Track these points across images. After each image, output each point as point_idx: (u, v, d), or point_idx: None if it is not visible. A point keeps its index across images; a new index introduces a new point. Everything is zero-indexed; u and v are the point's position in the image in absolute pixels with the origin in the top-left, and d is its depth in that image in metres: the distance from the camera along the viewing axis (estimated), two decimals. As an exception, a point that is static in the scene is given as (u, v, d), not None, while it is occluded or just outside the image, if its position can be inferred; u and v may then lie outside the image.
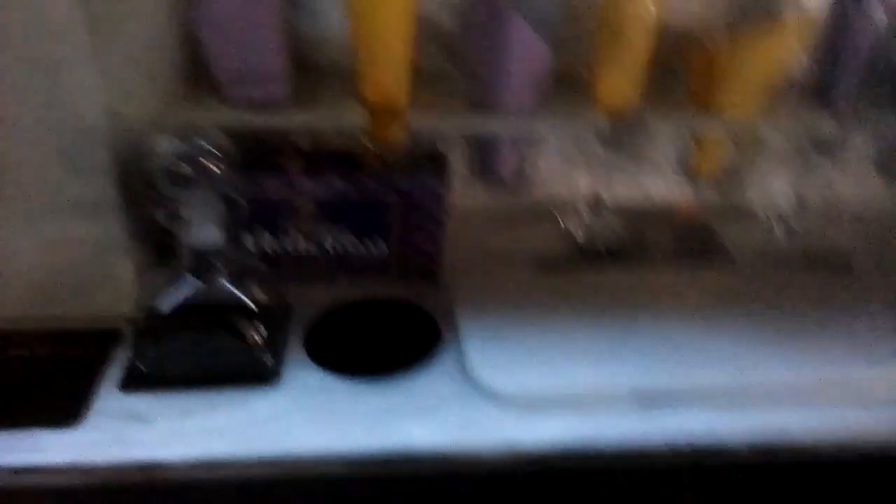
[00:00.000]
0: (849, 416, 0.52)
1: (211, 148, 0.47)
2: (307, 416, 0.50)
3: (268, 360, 0.53)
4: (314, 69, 0.65)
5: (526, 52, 0.57)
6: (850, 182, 0.79)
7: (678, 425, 0.50)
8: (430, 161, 0.59)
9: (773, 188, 0.78)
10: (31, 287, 0.55)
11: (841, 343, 0.58)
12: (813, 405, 0.52)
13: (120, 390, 0.51)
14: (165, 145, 0.47)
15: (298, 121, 0.59)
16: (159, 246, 0.58)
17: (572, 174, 0.75)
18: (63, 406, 0.49)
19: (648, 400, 0.52)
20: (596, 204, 0.73)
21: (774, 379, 0.53)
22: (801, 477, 0.52)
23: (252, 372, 0.52)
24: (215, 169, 0.47)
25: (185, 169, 0.47)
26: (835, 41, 0.64)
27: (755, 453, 0.50)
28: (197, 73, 0.60)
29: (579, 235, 0.72)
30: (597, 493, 0.52)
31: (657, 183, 0.77)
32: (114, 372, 0.53)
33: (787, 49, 0.62)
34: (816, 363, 0.55)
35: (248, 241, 0.59)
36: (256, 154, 0.58)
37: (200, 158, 0.47)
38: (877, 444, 0.51)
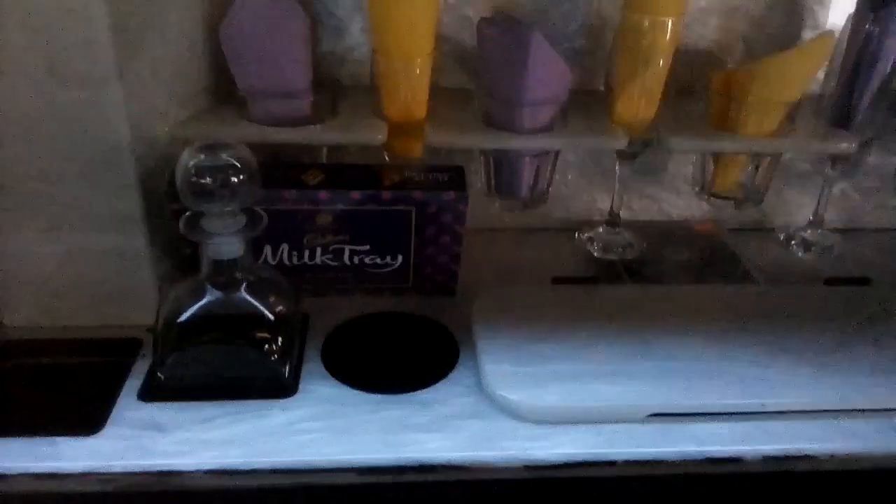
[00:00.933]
0: (866, 430, 0.51)
1: (233, 161, 0.48)
2: (323, 427, 0.50)
3: (285, 371, 0.53)
4: (335, 85, 0.66)
5: (547, 72, 0.58)
6: (868, 200, 0.79)
7: (692, 439, 0.50)
8: (449, 176, 0.59)
9: (792, 206, 0.78)
10: (54, 296, 0.56)
11: (861, 360, 0.57)
12: (830, 420, 0.52)
13: (139, 399, 0.52)
14: (189, 158, 0.47)
15: (319, 136, 0.60)
16: (181, 257, 0.58)
17: (590, 191, 0.76)
18: (83, 414, 0.50)
19: (663, 416, 0.51)
20: (613, 221, 0.73)
21: (792, 399, 0.53)
22: (816, 490, 0.52)
23: (269, 383, 0.53)
24: (237, 182, 0.48)
25: (208, 182, 0.48)
26: (854, 60, 0.64)
27: (769, 465, 0.49)
28: (222, 88, 0.61)
29: (596, 252, 0.73)
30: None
31: (675, 201, 0.77)
32: (133, 381, 0.53)
33: (806, 69, 0.62)
34: (835, 381, 0.54)
35: (268, 253, 0.59)
36: (278, 167, 0.59)
37: (223, 171, 0.48)
38: (890, 456, 0.51)
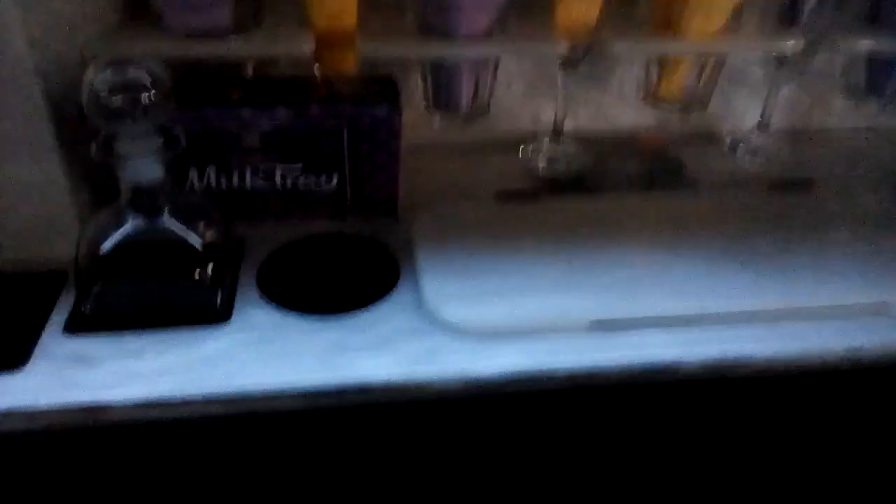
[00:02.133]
0: (806, 334, 0.52)
1: (144, 77, 0.44)
2: (259, 353, 0.49)
3: (217, 298, 0.52)
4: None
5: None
6: (815, 102, 0.78)
7: (634, 348, 0.50)
8: (382, 89, 0.56)
9: (740, 111, 0.77)
10: (-30, 231, 0.53)
11: (802, 262, 0.57)
12: (770, 325, 0.52)
13: (65, 333, 0.50)
14: (95, 76, 0.44)
15: (243, 49, 0.56)
16: (101, 185, 0.55)
17: (534, 102, 0.74)
18: (7, 350, 0.48)
19: (606, 327, 0.51)
20: (557, 132, 0.71)
21: (734, 304, 0.53)
22: (755, 393, 0.53)
23: (200, 311, 0.51)
24: (149, 100, 0.45)
25: (117, 101, 0.44)
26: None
27: (708, 371, 0.50)
28: (136, 4, 0.57)
29: (540, 165, 0.71)
30: (552, 417, 0.52)
31: (620, 110, 0.75)
32: (59, 316, 0.51)
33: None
34: (777, 285, 0.55)
35: (194, 178, 0.56)
36: (199, 85, 0.55)
37: (133, 89, 0.44)
38: (829, 359, 0.51)
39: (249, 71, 0.61)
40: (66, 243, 0.54)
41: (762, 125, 0.74)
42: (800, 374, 0.51)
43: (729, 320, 0.52)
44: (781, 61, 0.69)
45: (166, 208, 0.49)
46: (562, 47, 0.59)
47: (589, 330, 0.51)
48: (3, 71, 0.47)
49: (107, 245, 0.49)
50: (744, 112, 0.77)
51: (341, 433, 0.50)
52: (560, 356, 0.49)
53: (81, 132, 0.52)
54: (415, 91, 0.65)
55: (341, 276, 0.56)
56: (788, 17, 0.64)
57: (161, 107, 0.45)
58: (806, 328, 0.52)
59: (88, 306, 0.50)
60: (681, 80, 0.66)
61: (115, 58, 0.45)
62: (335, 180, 0.58)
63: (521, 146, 0.73)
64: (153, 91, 0.45)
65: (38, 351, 0.48)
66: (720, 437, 0.55)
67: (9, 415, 0.45)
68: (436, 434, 0.51)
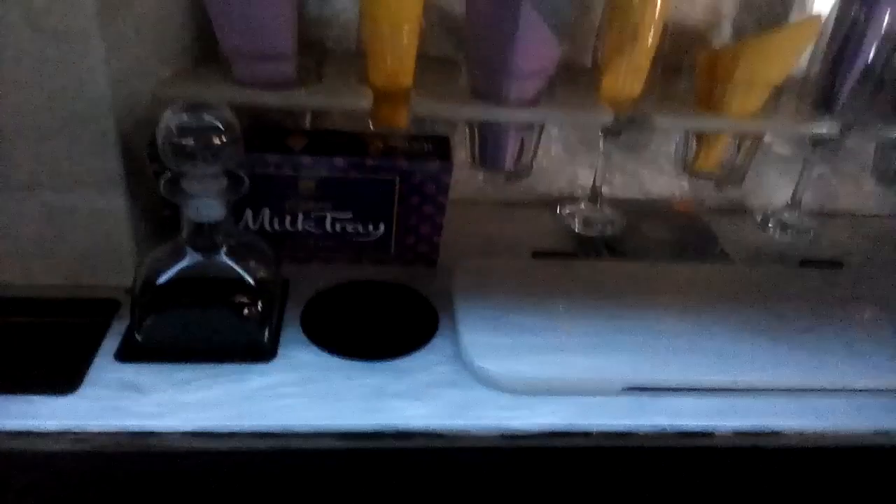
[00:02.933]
0: (835, 408, 0.53)
1: (217, 122, 0.47)
2: (301, 392, 0.50)
3: (264, 336, 0.53)
4: (321, 49, 0.65)
5: (536, 45, 0.57)
6: (846, 184, 0.80)
7: (667, 413, 0.51)
8: (434, 145, 0.59)
9: (771, 187, 0.79)
10: (31, 255, 0.56)
11: (831, 341, 0.58)
12: (799, 400, 0.53)
13: (116, 360, 0.51)
14: (171, 118, 0.47)
15: (304, 100, 0.59)
16: (161, 219, 0.58)
17: (573, 165, 0.76)
18: (60, 373, 0.50)
19: (639, 391, 0.52)
20: (594, 196, 0.73)
21: (765, 377, 0.54)
22: (785, 464, 0.53)
23: (248, 347, 0.53)
24: (220, 143, 0.47)
25: (190, 142, 0.47)
26: (839, 45, 0.65)
27: (740, 440, 0.51)
28: (206, 48, 0.60)
29: (576, 227, 0.73)
30: (584, 474, 0.52)
31: (655, 178, 0.78)
32: (111, 342, 0.53)
33: (792, 51, 0.62)
34: (806, 362, 0.56)
35: (249, 218, 0.59)
36: (261, 131, 0.58)
37: (206, 133, 0.47)
38: (858, 435, 0.52)
39: (307, 122, 0.64)
40: (120, 273, 0.56)
41: (794, 203, 0.76)
42: (829, 449, 0.52)
43: (760, 392, 0.53)
44: (816, 143, 0.71)
45: (224, 246, 0.51)
46: (607, 117, 0.61)
47: (623, 392, 0.52)
48: (83, 106, 0.50)
49: (164, 277, 0.51)
50: (775, 189, 0.79)
51: (377, 477, 0.51)
52: (594, 418, 0.50)
53: (148, 168, 0.55)
54: (460, 148, 0.67)
55: (382, 322, 0.58)
56: (824, 101, 0.67)
57: (230, 151, 0.48)
58: (834, 405, 0.53)
59: (141, 335, 0.52)
60: (719, 155, 0.68)
61: (192, 102, 0.47)
62: (382, 229, 0.60)
63: (559, 207, 0.75)
64: (224, 136, 0.47)
65: (89, 376, 0.50)
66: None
67: (60, 436, 0.46)
68: (468, 484, 0.52)
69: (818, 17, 0.62)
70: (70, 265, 0.56)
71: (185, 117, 0.47)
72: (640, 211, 0.77)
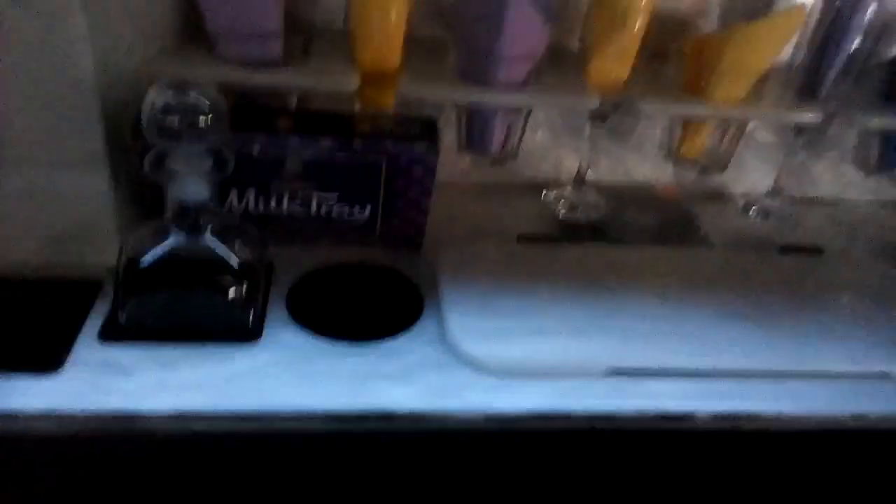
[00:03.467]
0: (813, 392, 0.54)
1: (203, 101, 0.47)
2: (287, 373, 0.50)
3: (249, 317, 0.53)
4: (308, 28, 0.65)
5: (522, 28, 0.57)
6: (826, 171, 0.81)
7: (649, 396, 0.52)
8: (422, 129, 0.59)
9: (752, 173, 0.80)
10: (14, 234, 0.55)
11: (809, 326, 0.59)
12: (778, 384, 0.54)
13: (99, 341, 0.51)
14: (157, 96, 0.46)
15: (291, 80, 0.58)
16: (144, 199, 0.57)
17: (558, 150, 0.76)
18: (42, 353, 0.49)
19: (622, 374, 0.53)
20: (580, 181, 0.74)
21: (745, 361, 0.55)
22: (763, 447, 0.54)
23: (232, 328, 0.53)
24: (205, 123, 0.47)
25: (175, 121, 0.46)
26: (824, 34, 0.65)
27: (719, 423, 0.52)
28: (191, 27, 0.60)
29: (561, 211, 0.73)
30: (567, 457, 0.53)
31: (639, 163, 0.78)
32: (94, 323, 0.52)
33: (778, 40, 0.62)
34: (785, 346, 0.57)
35: (234, 199, 0.58)
36: (246, 111, 0.57)
37: (191, 111, 0.47)
38: (835, 419, 0.53)
39: (293, 102, 0.63)
40: (102, 253, 0.56)
41: (775, 190, 0.77)
42: (806, 432, 0.53)
43: (740, 376, 0.54)
44: (799, 131, 0.72)
45: (209, 227, 0.51)
46: (593, 102, 0.62)
47: (606, 375, 0.53)
48: (66, 84, 0.49)
49: (148, 258, 0.51)
50: (757, 175, 0.80)
51: (362, 458, 0.51)
52: (578, 399, 0.51)
53: (132, 147, 0.54)
54: (446, 131, 0.67)
55: (367, 305, 0.58)
56: (808, 89, 0.68)
57: (215, 130, 0.47)
58: (812, 389, 0.54)
59: (125, 316, 0.52)
60: (703, 141, 0.69)
61: (178, 80, 0.47)
62: (367, 211, 0.60)
63: (544, 191, 0.76)
64: (210, 115, 0.47)
65: (72, 356, 0.50)
66: (728, 487, 0.57)
67: (43, 417, 0.46)
68: (453, 465, 0.53)
69: (803, 5, 0.62)
70: (51, 245, 0.56)
71: (170, 95, 0.46)
72: (625, 196, 0.77)
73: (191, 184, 0.49)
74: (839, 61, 0.65)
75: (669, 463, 0.54)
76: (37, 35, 0.47)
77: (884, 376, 0.56)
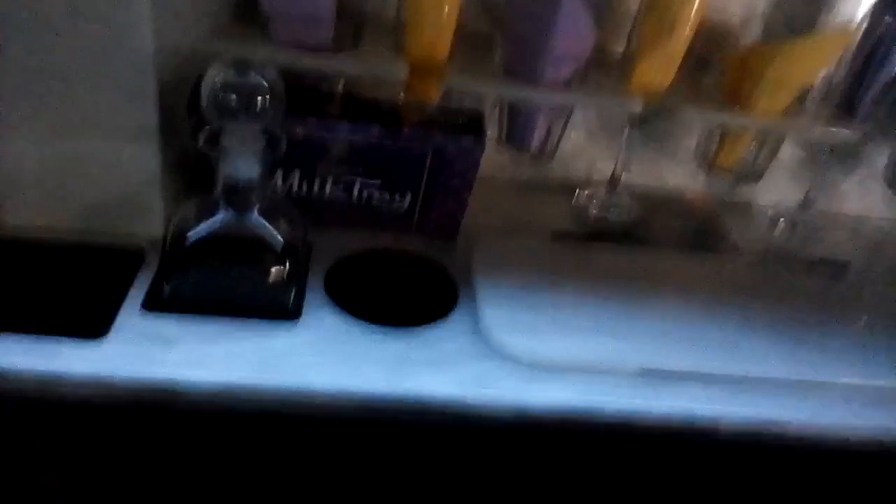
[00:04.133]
0: (838, 404, 0.54)
1: (263, 81, 0.47)
2: (325, 354, 0.51)
3: (290, 296, 0.54)
4: (359, 15, 0.65)
5: (573, 29, 0.58)
6: (855, 188, 0.82)
7: (679, 398, 0.52)
8: (469, 122, 0.59)
9: (781, 187, 0.81)
10: (60, 199, 0.56)
11: (832, 342, 0.60)
12: (803, 395, 0.55)
13: (142, 310, 0.52)
14: (218, 73, 0.47)
15: (341, 66, 0.59)
16: (194, 175, 0.58)
17: (593, 151, 0.77)
18: (87, 319, 0.50)
19: (653, 375, 0.54)
20: (614, 183, 0.74)
21: (773, 370, 0.56)
22: (786, 455, 0.55)
23: (273, 307, 0.54)
24: (263, 103, 0.48)
25: (234, 99, 0.47)
26: (866, 55, 0.66)
27: (746, 430, 0.52)
28: (246, 7, 0.60)
29: (593, 212, 0.74)
30: (595, 455, 0.54)
31: (674, 169, 0.79)
32: (137, 292, 0.53)
33: (823, 58, 0.63)
34: (812, 358, 0.57)
35: (279, 179, 0.59)
36: (298, 93, 0.58)
37: (251, 90, 0.47)
38: (855, 436, 0.54)
39: (339, 88, 0.64)
40: (147, 224, 0.57)
41: (804, 204, 0.78)
42: (828, 443, 0.54)
43: (767, 385, 0.55)
44: (832, 148, 0.72)
45: (256, 206, 0.52)
46: (636, 106, 0.62)
47: (636, 375, 0.54)
48: (124, 55, 0.50)
49: (195, 233, 0.51)
50: (785, 188, 0.81)
51: (394, 440, 0.52)
52: (608, 396, 0.52)
53: (185, 122, 0.55)
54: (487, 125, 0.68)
55: (403, 292, 0.59)
56: (846, 107, 0.68)
57: (272, 111, 0.48)
58: (837, 402, 0.55)
59: (170, 288, 0.53)
60: (740, 151, 0.69)
61: (239, 59, 0.48)
62: (408, 200, 0.61)
63: (577, 191, 0.76)
64: (268, 95, 0.48)
65: (117, 323, 0.51)
66: (750, 493, 0.58)
67: (86, 382, 0.47)
68: (483, 454, 0.54)
69: (851, 27, 0.63)
70: (97, 213, 0.57)
71: (231, 74, 0.47)
72: (657, 200, 0.78)
73: (243, 162, 0.50)
74: (879, 82, 0.66)
75: (695, 465, 0.55)
76: (98, 8, 0.48)
77: (908, 393, 0.57)
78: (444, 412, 0.50)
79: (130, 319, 0.51)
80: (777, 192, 0.81)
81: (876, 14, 0.64)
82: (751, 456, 0.55)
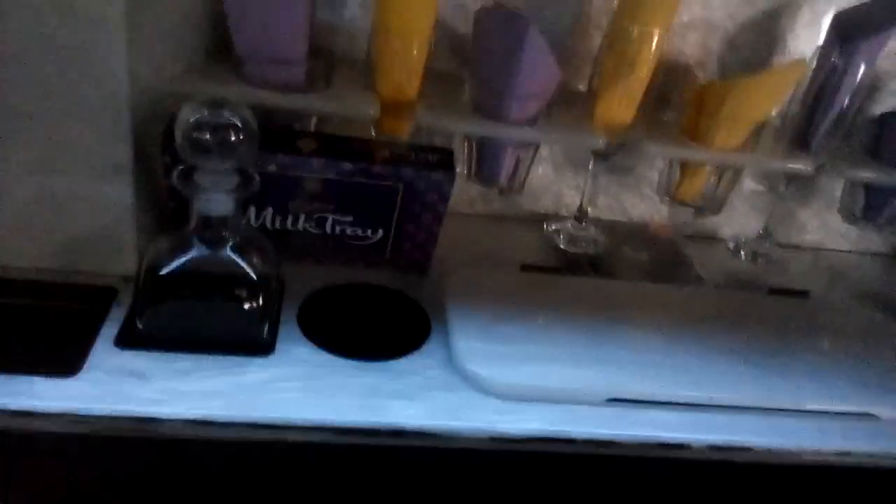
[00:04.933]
0: (800, 428, 0.56)
1: (235, 120, 0.48)
2: (298, 387, 0.52)
3: (264, 330, 0.55)
4: (329, 55, 0.67)
5: (539, 67, 0.60)
6: (813, 219, 0.85)
7: (647, 425, 0.54)
8: (439, 157, 0.61)
9: (741, 217, 0.84)
10: (31, 237, 0.56)
11: (797, 365, 0.62)
12: (768, 419, 0.56)
13: (116, 346, 0.52)
14: (191, 112, 0.48)
15: (313, 104, 0.61)
16: (162, 212, 0.59)
17: (560, 185, 0.79)
18: (59, 357, 0.50)
19: (621, 403, 0.55)
20: (580, 216, 0.76)
21: (738, 396, 0.57)
22: (754, 478, 0.56)
23: (247, 341, 0.54)
24: (237, 141, 0.49)
25: (207, 137, 0.48)
26: (817, 90, 0.69)
27: (714, 453, 0.54)
28: (220, 47, 0.62)
29: (563, 244, 0.76)
30: (566, 482, 0.55)
31: (637, 202, 0.81)
32: (110, 329, 0.53)
33: (777, 92, 0.66)
34: (775, 383, 0.59)
35: (252, 215, 0.60)
36: (271, 131, 0.59)
37: (224, 129, 0.48)
38: (822, 454, 0.56)
39: (312, 126, 0.65)
40: (120, 260, 0.57)
41: (765, 234, 0.81)
42: (794, 466, 0.55)
43: (732, 409, 0.56)
44: (789, 179, 0.75)
45: (230, 242, 0.52)
46: (600, 141, 0.64)
47: (605, 403, 0.55)
48: (100, 93, 0.51)
49: (169, 267, 0.52)
50: (746, 220, 0.83)
51: (370, 472, 0.52)
52: (579, 424, 0.53)
53: (158, 160, 0.56)
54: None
55: (376, 325, 0.60)
56: (800, 140, 0.71)
57: (245, 149, 0.49)
58: (800, 426, 0.56)
59: (143, 323, 0.53)
60: (700, 184, 0.72)
61: (212, 98, 0.49)
62: (380, 234, 0.62)
63: (545, 224, 0.78)
64: (241, 133, 0.49)
65: (90, 360, 0.51)
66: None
67: (61, 417, 0.47)
68: (458, 483, 0.54)
69: (804, 60, 0.66)
70: (70, 250, 0.57)
71: (205, 112, 0.48)
72: (622, 232, 0.80)
73: (216, 199, 0.51)
74: (831, 116, 0.69)
75: (666, 490, 0.56)
76: (77, 44, 0.49)
77: (868, 416, 0.58)
78: (418, 443, 0.50)
79: (104, 356, 0.51)
80: (738, 223, 0.84)
81: (825, 52, 0.68)
82: (721, 478, 0.56)
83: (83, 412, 0.47)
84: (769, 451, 0.54)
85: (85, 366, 0.50)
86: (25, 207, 0.55)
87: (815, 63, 0.68)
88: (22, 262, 0.56)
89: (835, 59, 0.67)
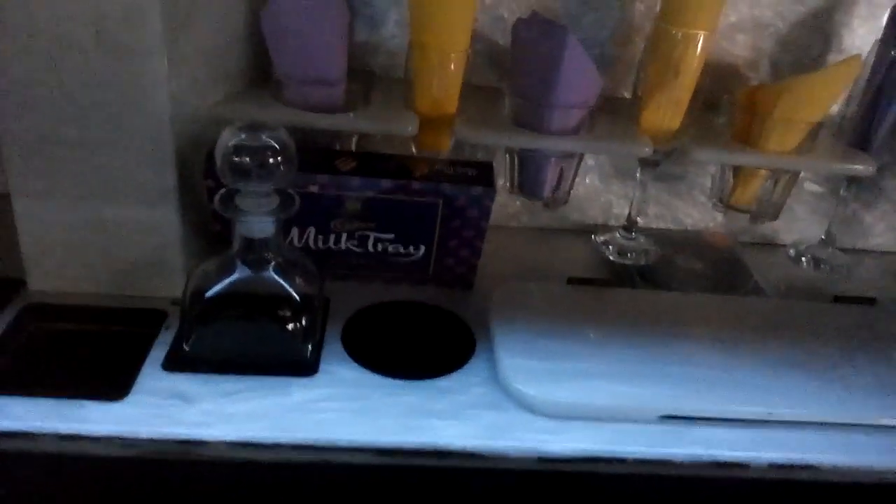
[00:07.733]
0: (867, 444, 0.53)
1: (274, 143, 0.49)
2: (342, 407, 0.51)
3: (307, 351, 0.55)
4: (368, 75, 0.67)
5: (579, 76, 0.59)
6: (878, 222, 0.81)
7: (701, 442, 0.52)
8: (477, 171, 0.60)
9: (801, 223, 0.80)
10: (81, 264, 0.57)
11: (863, 377, 0.59)
12: (832, 435, 0.53)
13: (163, 370, 0.53)
14: (230, 136, 0.48)
15: (353, 124, 0.61)
16: (209, 234, 0.60)
17: (608, 195, 0.77)
18: (108, 380, 0.51)
19: (674, 419, 0.53)
20: (629, 226, 0.74)
21: (800, 412, 0.54)
22: (818, 498, 0.53)
23: (291, 361, 0.54)
24: (275, 163, 0.49)
25: (247, 161, 0.49)
26: (876, 86, 0.66)
27: (774, 472, 0.51)
28: (260, 71, 0.63)
29: (612, 255, 0.74)
30: (619, 501, 0.53)
31: (690, 210, 0.79)
32: (157, 352, 0.54)
33: (832, 91, 0.63)
34: (839, 397, 0.56)
35: (295, 236, 0.60)
36: (310, 152, 0.60)
37: (263, 152, 0.49)
38: (890, 472, 0.52)
39: (353, 145, 0.65)
40: (168, 285, 0.58)
41: (827, 239, 0.77)
42: (861, 485, 0.52)
43: (794, 425, 0.54)
44: (851, 181, 0.72)
45: (272, 263, 0.53)
46: (645, 149, 0.63)
47: (658, 421, 0.53)
48: (143, 121, 0.52)
49: (213, 290, 0.52)
50: (806, 225, 0.80)
51: (414, 494, 0.52)
52: (630, 444, 0.51)
53: (201, 184, 0.57)
54: (498, 175, 0.69)
55: (420, 343, 0.59)
56: (860, 140, 0.68)
57: (284, 171, 0.49)
58: (866, 441, 0.53)
59: (189, 346, 0.53)
60: (755, 190, 0.69)
61: (251, 122, 0.49)
62: (422, 250, 0.62)
63: (593, 235, 0.77)
64: (280, 156, 0.49)
65: (138, 384, 0.51)
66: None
67: (109, 440, 0.48)
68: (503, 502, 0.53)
69: (858, 57, 0.63)
70: (119, 276, 0.58)
71: (243, 136, 0.49)
72: (674, 242, 0.77)
73: (258, 221, 0.51)
74: (892, 113, 0.66)
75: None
76: (119, 74, 0.50)
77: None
78: (462, 463, 0.49)
79: (151, 379, 0.52)
80: (798, 228, 0.80)
81: (884, 47, 0.65)
82: (782, 498, 0.53)
83: (129, 435, 0.48)
84: (834, 469, 0.51)
85: (133, 389, 0.51)
86: (76, 234, 0.56)
87: (873, 58, 0.65)
88: (73, 288, 0.58)
89: (894, 51, 0.63)
